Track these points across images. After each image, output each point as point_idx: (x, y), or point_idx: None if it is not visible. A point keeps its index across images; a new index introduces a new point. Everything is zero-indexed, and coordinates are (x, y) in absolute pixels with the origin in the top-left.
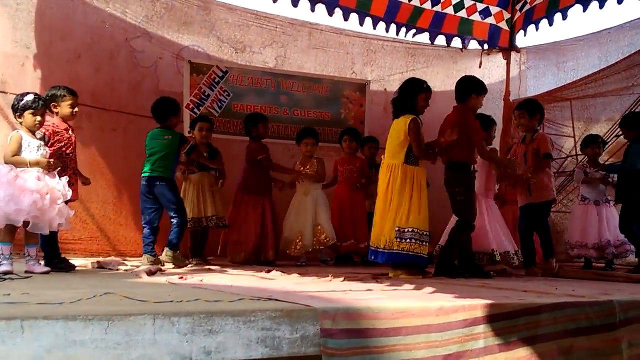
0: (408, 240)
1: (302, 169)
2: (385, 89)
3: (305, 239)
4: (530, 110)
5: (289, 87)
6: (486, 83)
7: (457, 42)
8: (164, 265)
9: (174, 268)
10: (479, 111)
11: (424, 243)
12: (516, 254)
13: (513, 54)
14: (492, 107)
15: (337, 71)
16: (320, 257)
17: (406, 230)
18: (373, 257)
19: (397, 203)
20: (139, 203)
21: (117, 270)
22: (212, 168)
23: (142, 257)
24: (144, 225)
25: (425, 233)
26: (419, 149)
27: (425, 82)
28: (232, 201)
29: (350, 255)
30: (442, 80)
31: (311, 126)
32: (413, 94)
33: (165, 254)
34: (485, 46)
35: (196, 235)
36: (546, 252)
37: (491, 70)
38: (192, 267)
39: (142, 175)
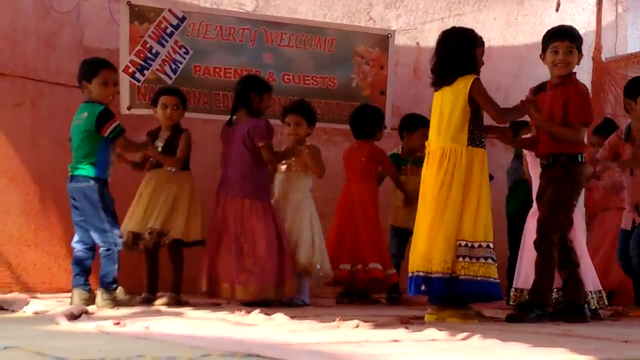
0: (482, 260)
1: (284, 163)
2: (418, 43)
3: None
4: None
5: (276, 40)
6: None
7: None
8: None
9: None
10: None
11: (495, 262)
12: (598, 293)
13: None
14: (574, 67)
15: (347, 17)
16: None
17: (475, 244)
18: (422, 287)
19: (459, 204)
20: (57, 212)
21: (23, 312)
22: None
23: (60, 292)
24: (74, 246)
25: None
26: (497, 109)
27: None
28: (220, 208)
29: (364, 289)
30: (501, 31)
31: (309, 97)
32: (468, 48)
33: (101, 298)
34: None
35: (152, 260)
36: None
37: (573, 16)
38: (133, 308)
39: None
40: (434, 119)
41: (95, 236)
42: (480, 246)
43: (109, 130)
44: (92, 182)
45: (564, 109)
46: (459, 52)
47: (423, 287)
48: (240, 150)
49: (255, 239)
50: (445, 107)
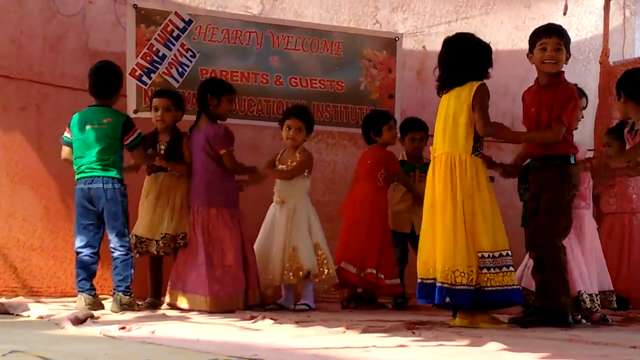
0: (504, 269)
1: (279, 167)
2: (424, 47)
3: (273, 268)
4: (627, 90)
5: (282, 44)
6: (574, 37)
7: None
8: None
9: (119, 313)
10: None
11: (513, 269)
12: (592, 296)
13: None
14: (581, 71)
15: (354, 20)
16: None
17: (496, 254)
18: (447, 299)
19: (470, 215)
20: (63, 216)
21: (28, 316)
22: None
23: (65, 296)
24: (79, 250)
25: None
26: (485, 119)
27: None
28: (189, 220)
29: (371, 294)
30: (508, 34)
31: (316, 101)
32: (481, 57)
33: (120, 303)
34: None
35: (156, 264)
36: None
37: (580, 19)
38: (139, 312)
39: (77, 176)
40: (439, 123)
41: (115, 240)
42: (501, 255)
43: (130, 139)
44: (119, 184)
45: (550, 112)
46: (466, 59)
47: (448, 299)
48: (202, 158)
49: (223, 249)
50: (450, 111)
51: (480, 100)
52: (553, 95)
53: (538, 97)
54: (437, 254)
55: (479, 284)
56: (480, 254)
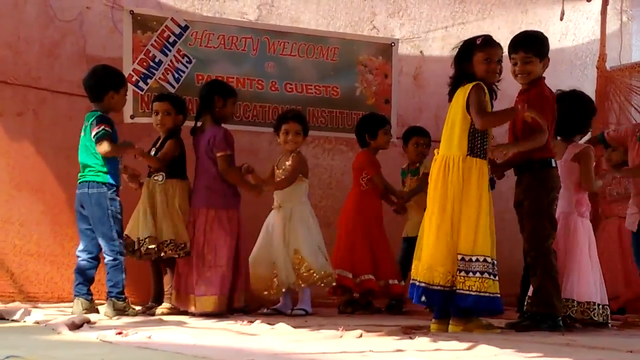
0: (478, 275)
1: (278, 172)
2: (421, 52)
3: (281, 272)
4: None
5: (278, 49)
6: (571, 42)
7: None
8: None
9: (114, 318)
10: (560, 86)
11: (497, 278)
12: (602, 307)
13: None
14: (578, 76)
15: (350, 26)
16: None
17: (473, 258)
18: (422, 298)
19: (457, 216)
20: (60, 221)
21: (24, 322)
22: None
23: (62, 301)
24: (78, 254)
25: (496, 262)
26: (478, 111)
27: (481, 37)
28: (191, 220)
29: (367, 297)
30: (505, 40)
31: (312, 106)
32: (466, 56)
33: (112, 308)
34: None
35: (155, 269)
36: None
37: (577, 24)
38: (135, 317)
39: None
40: (444, 129)
41: (103, 244)
42: (477, 260)
43: (93, 132)
44: (104, 188)
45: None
46: (457, 64)
47: (424, 299)
48: (204, 160)
49: (217, 249)
50: (451, 115)
51: (475, 97)
52: (527, 100)
53: (517, 103)
54: (422, 254)
55: (455, 285)
56: (459, 256)
